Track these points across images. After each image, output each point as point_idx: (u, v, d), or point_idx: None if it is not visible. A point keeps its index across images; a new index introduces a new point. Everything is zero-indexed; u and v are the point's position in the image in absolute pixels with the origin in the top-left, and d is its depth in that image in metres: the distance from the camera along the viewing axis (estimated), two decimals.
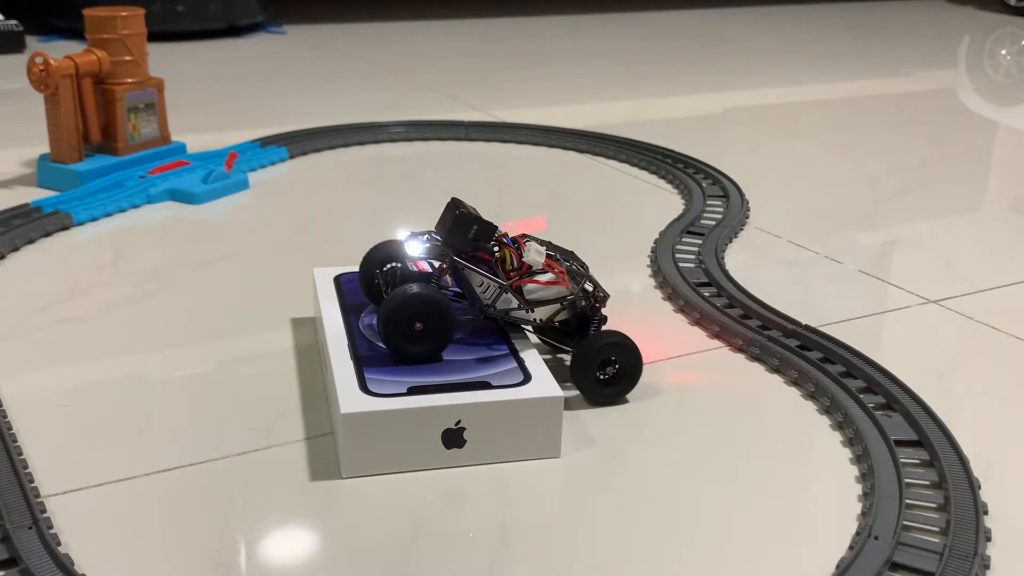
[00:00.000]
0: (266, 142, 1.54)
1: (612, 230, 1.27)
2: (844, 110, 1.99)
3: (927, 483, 0.73)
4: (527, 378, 0.76)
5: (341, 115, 1.76)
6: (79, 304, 1.00)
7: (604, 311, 0.86)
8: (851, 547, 0.66)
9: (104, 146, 1.38)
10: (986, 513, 0.70)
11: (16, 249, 1.13)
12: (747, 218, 1.31)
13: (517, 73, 2.25)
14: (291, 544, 0.66)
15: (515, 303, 0.81)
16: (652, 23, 3.11)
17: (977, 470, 0.74)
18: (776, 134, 1.78)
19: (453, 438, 0.74)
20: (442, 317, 0.77)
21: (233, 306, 1.01)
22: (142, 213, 1.27)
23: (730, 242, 1.21)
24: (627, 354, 0.82)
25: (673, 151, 1.56)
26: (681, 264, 1.12)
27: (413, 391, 0.74)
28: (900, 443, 0.77)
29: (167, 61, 2.23)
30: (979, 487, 0.72)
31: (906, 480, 0.72)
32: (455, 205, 0.81)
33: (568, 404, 0.83)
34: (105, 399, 0.82)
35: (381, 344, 0.79)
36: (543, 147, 1.63)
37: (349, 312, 0.86)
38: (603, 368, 0.82)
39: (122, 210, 1.27)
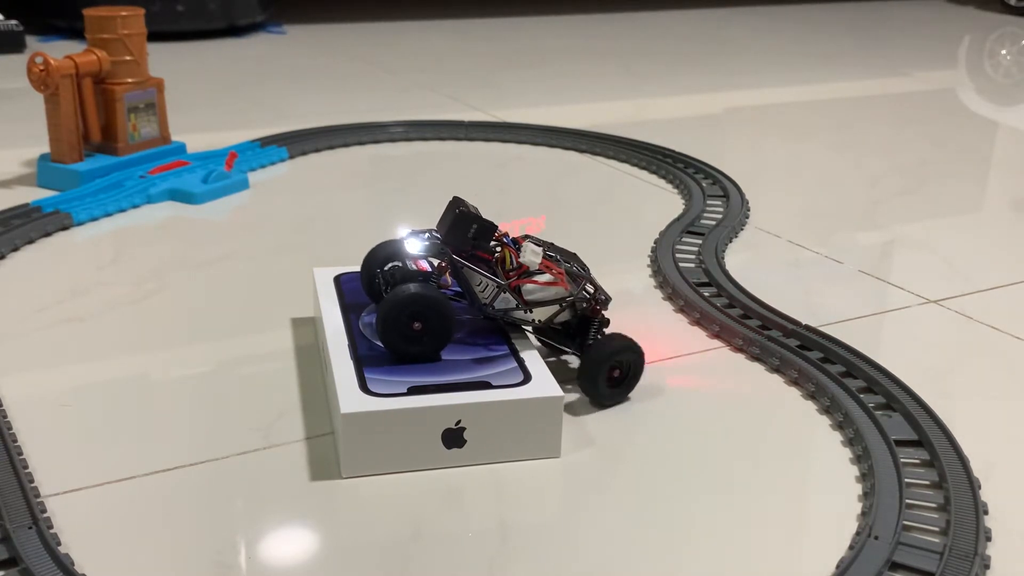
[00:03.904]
0: (266, 142, 1.54)
1: (612, 230, 1.27)
2: (844, 110, 1.99)
3: (927, 483, 0.73)
4: (527, 378, 0.76)
5: (341, 115, 1.76)
6: (79, 304, 1.00)
7: (604, 313, 0.86)
8: (851, 547, 0.66)
9: (104, 146, 1.38)
10: (986, 513, 0.70)
11: (16, 249, 1.13)
12: (747, 218, 1.31)
13: (517, 73, 2.25)
14: (291, 544, 0.66)
15: (513, 303, 0.81)
16: (652, 23, 3.12)
17: (977, 470, 0.74)
18: (776, 134, 1.78)
19: (453, 438, 0.74)
20: (441, 317, 0.77)
21: (233, 306, 1.01)
22: (142, 213, 1.27)
23: (730, 242, 1.21)
24: (634, 357, 0.83)
25: (673, 151, 1.56)
26: (681, 264, 1.12)
27: (413, 391, 0.74)
28: (900, 443, 0.77)
29: (167, 61, 2.23)
30: (979, 487, 0.72)
31: (906, 480, 0.72)
32: (456, 204, 0.81)
33: (568, 404, 0.83)
34: (105, 399, 0.82)
35: (380, 343, 0.79)
36: (543, 147, 1.63)
37: (349, 312, 0.86)
38: (610, 372, 0.82)
39: (122, 210, 1.27)
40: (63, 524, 0.66)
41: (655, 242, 1.19)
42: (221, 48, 2.47)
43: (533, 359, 0.79)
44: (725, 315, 0.98)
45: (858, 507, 0.71)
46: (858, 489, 0.73)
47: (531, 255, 0.81)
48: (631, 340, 0.83)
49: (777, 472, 0.75)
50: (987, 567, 0.65)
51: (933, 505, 0.71)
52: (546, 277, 0.82)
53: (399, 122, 1.68)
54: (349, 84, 2.07)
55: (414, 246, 0.82)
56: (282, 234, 1.21)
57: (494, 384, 0.75)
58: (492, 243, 0.82)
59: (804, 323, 0.96)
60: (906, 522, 0.68)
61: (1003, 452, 0.78)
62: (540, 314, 0.83)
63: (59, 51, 1.35)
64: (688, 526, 0.69)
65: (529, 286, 0.81)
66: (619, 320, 0.90)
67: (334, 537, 0.67)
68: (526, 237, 0.84)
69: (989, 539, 0.67)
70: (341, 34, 2.74)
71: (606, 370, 0.82)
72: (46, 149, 1.36)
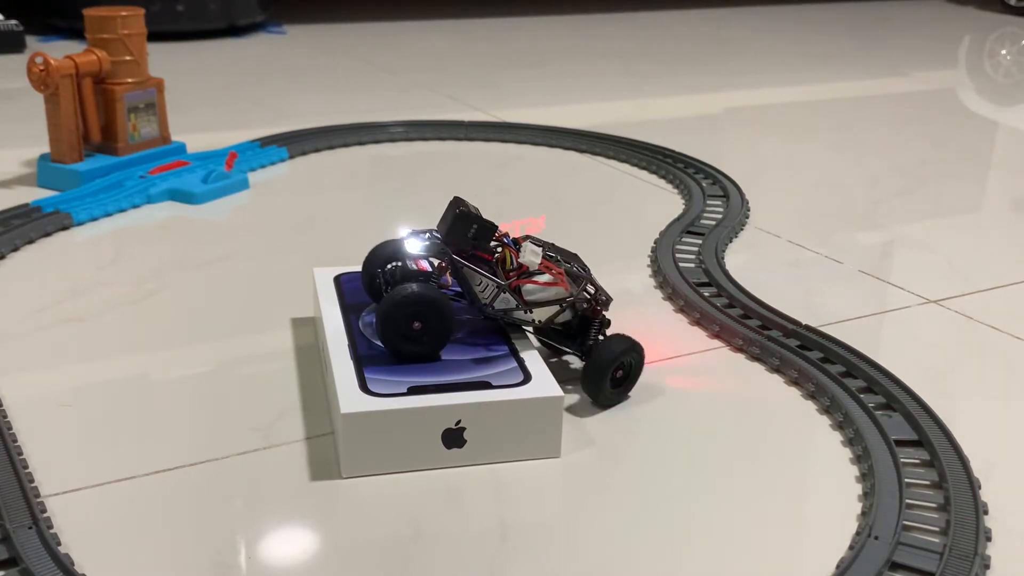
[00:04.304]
0: (266, 142, 1.54)
1: (612, 230, 1.27)
2: (844, 110, 1.99)
3: (927, 483, 0.73)
4: (527, 378, 0.76)
5: (341, 115, 1.76)
6: (79, 304, 1.00)
7: (605, 313, 0.86)
8: (851, 547, 0.66)
9: (104, 146, 1.38)
10: (986, 513, 0.70)
11: (16, 249, 1.13)
12: (747, 218, 1.31)
13: (517, 73, 2.25)
14: (291, 544, 0.66)
15: (513, 303, 0.81)
16: (652, 23, 3.12)
17: (977, 470, 0.74)
18: (776, 134, 1.78)
19: (453, 438, 0.74)
20: (440, 316, 0.77)
21: (233, 306, 1.01)
22: (142, 213, 1.27)
23: (730, 242, 1.21)
24: (636, 357, 0.83)
25: (673, 151, 1.56)
26: (681, 264, 1.12)
27: (413, 391, 0.74)
28: (900, 443, 0.77)
29: (167, 61, 2.23)
30: (979, 487, 0.72)
31: (906, 480, 0.72)
32: (456, 204, 0.81)
33: (568, 404, 0.83)
34: (105, 399, 0.82)
35: (380, 343, 0.79)
36: (543, 147, 1.63)
37: (349, 312, 0.86)
38: (613, 372, 0.82)
39: (122, 210, 1.27)
40: (63, 524, 0.66)
41: (655, 242, 1.19)
42: (221, 48, 2.47)
43: (533, 359, 0.79)
44: (725, 315, 0.98)
45: (858, 507, 0.71)
46: (858, 489, 0.73)
47: (530, 255, 0.81)
48: (633, 340, 0.83)
49: (777, 472, 0.75)
50: (987, 567, 0.65)
51: (933, 505, 0.71)
52: (546, 277, 0.82)
53: (399, 122, 1.68)
54: (349, 84, 2.07)
55: (415, 246, 0.82)
56: (282, 234, 1.21)
57: (494, 384, 0.75)
58: (492, 243, 0.82)
59: (804, 323, 0.96)
60: (906, 522, 0.68)
61: (1003, 452, 0.78)
62: (540, 314, 0.83)
63: (59, 51, 1.35)
64: (688, 526, 0.69)
65: (529, 286, 0.81)
66: (619, 320, 0.90)
67: (334, 537, 0.67)
68: (526, 237, 0.84)
69: (989, 539, 0.67)
70: (341, 34, 2.74)
71: (612, 371, 0.82)
72: (46, 149, 1.36)
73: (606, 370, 0.81)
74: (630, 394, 0.84)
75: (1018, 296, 1.09)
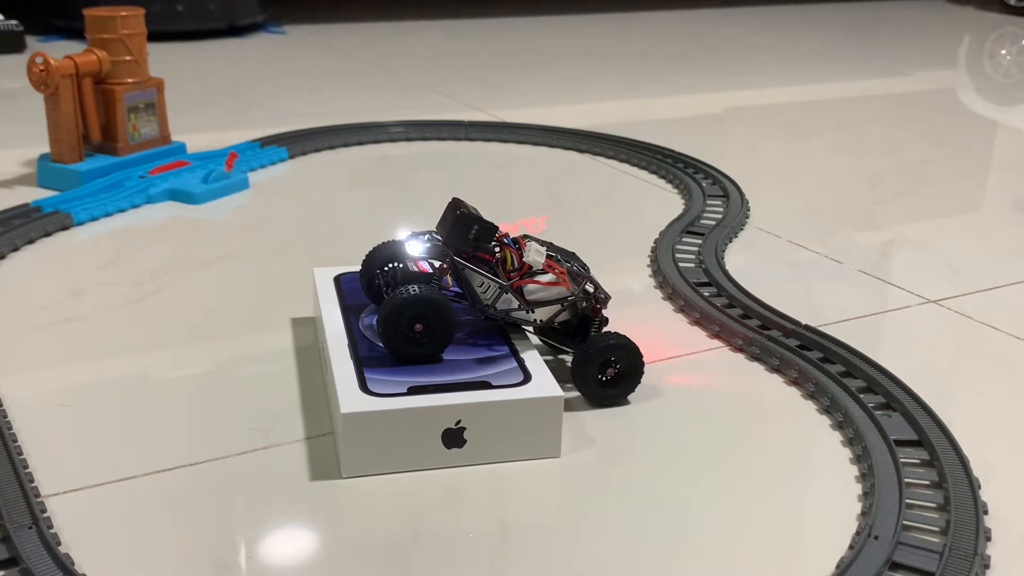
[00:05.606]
0: (266, 142, 1.54)
1: (612, 230, 1.27)
2: (844, 110, 1.99)
3: (927, 483, 0.73)
4: (527, 378, 0.76)
5: (341, 115, 1.76)
6: (79, 304, 1.00)
7: (605, 312, 0.86)
8: (851, 547, 0.66)
9: (104, 146, 1.38)
10: (986, 513, 0.70)
11: (16, 249, 1.13)
12: (747, 218, 1.31)
13: (517, 73, 2.25)
14: (291, 544, 0.66)
15: (515, 304, 0.81)
16: (652, 23, 3.12)
17: (977, 470, 0.74)
18: (776, 134, 1.78)
19: (453, 438, 0.74)
20: (442, 318, 0.77)
21: (233, 306, 1.01)
22: (142, 213, 1.27)
23: (730, 242, 1.21)
24: (628, 355, 0.82)
25: (673, 151, 1.56)
26: (681, 264, 1.12)
27: (413, 391, 0.74)
28: (900, 443, 0.77)
29: (167, 61, 2.23)
30: (979, 487, 0.72)
31: (906, 480, 0.72)
32: (456, 205, 0.81)
33: (568, 404, 0.83)
34: (105, 399, 0.82)
35: (381, 344, 0.79)
36: (543, 147, 1.63)
37: (349, 312, 0.86)
38: (604, 369, 0.82)
39: (122, 210, 1.27)
40: (63, 524, 0.66)
41: (655, 242, 1.19)
42: (221, 48, 2.47)
43: (533, 359, 0.79)
44: (725, 315, 0.98)
45: (858, 507, 0.71)
46: (858, 489, 0.73)
47: (535, 255, 0.81)
48: (623, 336, 0.83)
49: (777, 472, 0.75)
50: (987, 567, 0.65)
51: (933, 505, 0.71)
52: (548, 277, 0.82)
53: (399, 122, 1.68)
54: (349, 84, 2.07)
55: (415, 248, 0.82)
56: (282, 234, 1.21)
57: (494, 384, 0.75)
58: (492, 244, 0.82)
59: (804, 323, 0.96)
60: (906, 522, 0.68)
61: (1003, 452, 0.78)
62: (542, 314, 0.83)
63: (59, 51, 1.35)
64: (688, 526, 0.69)
65: (531, 286, 0.82)
66: (619, 320, 0.90)
67: (334, 537, 0.67)
68: (525, 237, 0.84)
69: (989, 539, 0.67)
70: (341, 34, 2.74)
71: (597, 365, 0.82)
72: (46, 149, 1.36)
73: (591, 362, 0.81)
74: (630, 395, 0.84)
75: (1018, 296, 1.09)
